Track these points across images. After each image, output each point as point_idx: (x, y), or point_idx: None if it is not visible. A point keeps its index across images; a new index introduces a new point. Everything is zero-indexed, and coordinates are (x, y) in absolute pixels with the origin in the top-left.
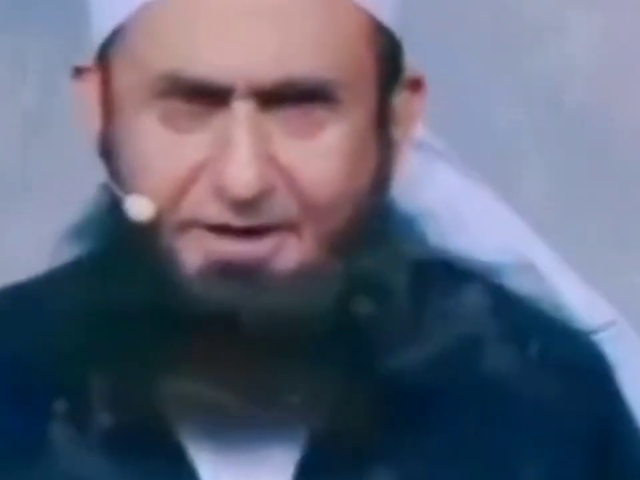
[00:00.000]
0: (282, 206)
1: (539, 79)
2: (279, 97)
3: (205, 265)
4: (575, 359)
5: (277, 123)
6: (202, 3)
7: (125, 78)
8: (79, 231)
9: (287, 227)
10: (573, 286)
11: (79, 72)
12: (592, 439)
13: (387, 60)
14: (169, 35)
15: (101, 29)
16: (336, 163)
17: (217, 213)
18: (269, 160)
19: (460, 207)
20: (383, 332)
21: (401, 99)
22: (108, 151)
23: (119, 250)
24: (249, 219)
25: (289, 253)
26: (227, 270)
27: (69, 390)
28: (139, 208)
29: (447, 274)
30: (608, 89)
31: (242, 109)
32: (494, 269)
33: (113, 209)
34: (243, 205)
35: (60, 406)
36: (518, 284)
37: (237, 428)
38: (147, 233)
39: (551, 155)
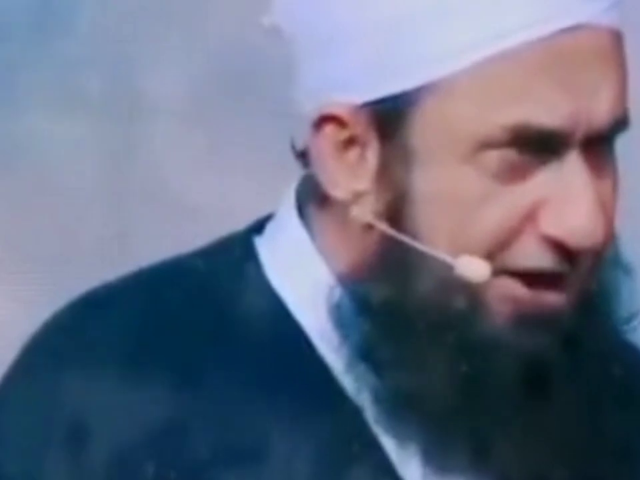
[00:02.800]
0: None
1: None
2: (599, 141)
3: (513, 314)
4: None
5: (590, 166)
6: (544, 53)
7: (435, 132)
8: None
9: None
10: None
11: (322, 122)
12: None
13: None
14: (510, 88)
15: (377, 85)
16: (615, 202)
17: (538, 259)
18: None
19: None
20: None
21: None
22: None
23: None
24: (570, 265)
25: (569, 294)
26: (535, 319)
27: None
28: (474, 270)
29: None
30: None
31: (577, 156)
32: None
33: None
34: (576, 253)
35: None
36: None
37: None
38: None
39: None
